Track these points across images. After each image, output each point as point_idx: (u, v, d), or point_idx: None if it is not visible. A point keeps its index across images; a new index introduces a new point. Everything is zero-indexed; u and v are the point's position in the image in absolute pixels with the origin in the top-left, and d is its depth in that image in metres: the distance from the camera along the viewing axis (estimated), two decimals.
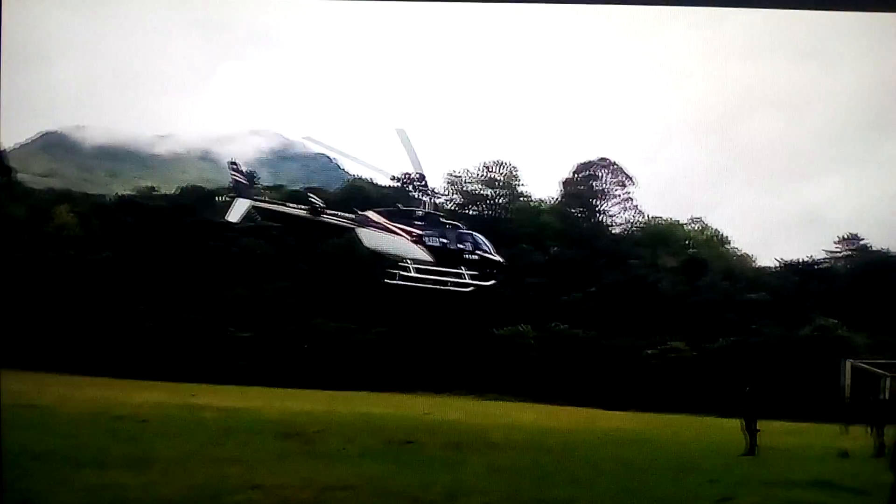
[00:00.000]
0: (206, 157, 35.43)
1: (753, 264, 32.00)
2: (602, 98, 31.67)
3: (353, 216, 21.71)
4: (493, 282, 21.81)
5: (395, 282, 21.14)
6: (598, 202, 32.37)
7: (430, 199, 22.54)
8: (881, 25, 27.01)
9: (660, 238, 31.57)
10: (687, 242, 32.47)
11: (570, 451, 17.68)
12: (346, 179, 33.07)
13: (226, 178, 33.29)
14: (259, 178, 32.12)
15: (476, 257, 21.41)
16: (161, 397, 21.77)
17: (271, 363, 26.91)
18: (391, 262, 21.28)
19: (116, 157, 34.73)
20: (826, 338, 26.66)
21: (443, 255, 21.27)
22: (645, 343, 27.45)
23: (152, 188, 32.90)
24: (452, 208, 30.33)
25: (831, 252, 31.38)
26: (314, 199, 22.02)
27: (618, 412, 25.25)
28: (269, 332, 27.72)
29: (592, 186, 32.24)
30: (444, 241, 21.44)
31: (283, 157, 35.67)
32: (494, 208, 31.58)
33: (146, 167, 34.98)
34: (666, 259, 30.97)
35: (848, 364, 24.67)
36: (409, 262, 21.23)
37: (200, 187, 32.11)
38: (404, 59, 33.93)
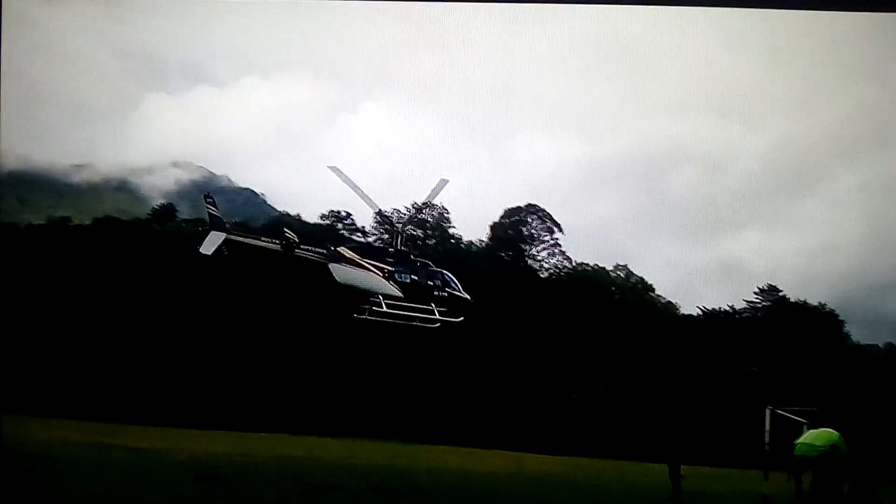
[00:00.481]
0: (123, 188, 34.39)
1: (677, 312, 32.59)
2: (532, 145, 32.04)
3: (324, 252, 21.81)
4: (461, 318, 22.09)
5: (364, 317, 21.28)
6: (527, 247, 32.78)
7: (400, 236, 22.99)
8: (800, 89, 28.57)
9: (586, 284, 31.95)
10: (613, 289, 32.97)
11: (496, 494, 17.37)
12: (271, 215, 32.50)
13: (143, 210, 32.32)
14: (179, 211, 31.46)
15: (445, 294, 21.89)
16: (69, 435, 20.73)
17: (185, 402, 25.71)
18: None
19: (30, 184, 33.19)
20: (748, 385, 27.25)
21: (413, 292, 21.65)
22: (572, 387, 27.49)
23: (66, 218, 31.62)
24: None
25: (751, 302, 32.26)
26: (289, 234, 21.92)
27: (544, 456, 25.07)
28: (184, 371, 26.56)
29: (521, 231, 32.62)
30: (415, 277, 21.85)
31: (205, 190, 34.79)
32: (425, 249, 31.39)
33: (60, 196, 33.68)
34: (593, 304, 31.28)
35: (768, 412, 25.14)
36: (380, 297, 21.44)
37: (116, 218, 31.17)
38: (335, 96, 33.59)
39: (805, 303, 31.19)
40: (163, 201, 32.91)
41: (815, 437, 16.69)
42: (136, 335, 27.14)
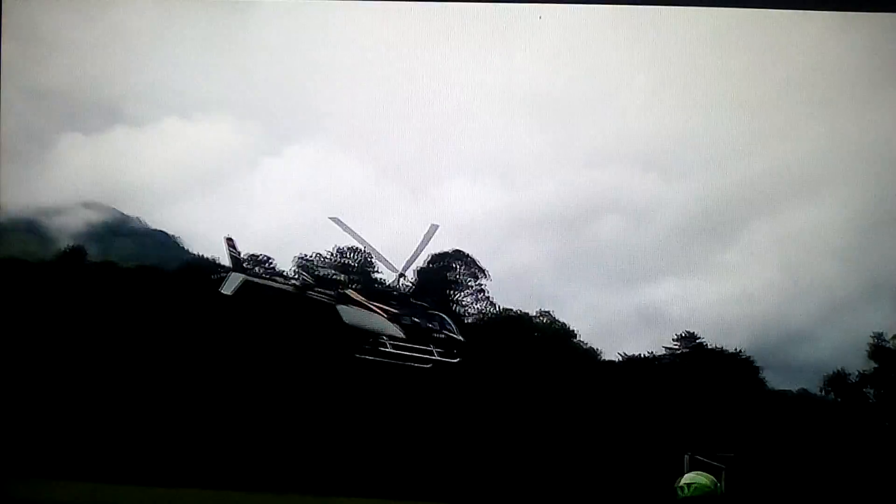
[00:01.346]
0: (30, 230, 32.85)
1: (599, 358, 32.81)
2: (457, 192, 32.20)
3: (333, 293, 22.77)
4: (458, 359, 23.42)
5: (370, 357, 21.87)
6: (452, 292, 32.67)
7: (400, 279, 23.49)
8: (719, 144, 29.62)
9: (510, 328, 31.96)
10: (536, 334, 33.03)
11: None
12: (184, 258, 31.56)
13: (50, 251, 30.87)
14: (88, 254, 30.22)
15: (443, 336, 23.10)
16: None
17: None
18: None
19: None
20: (667, 431, 27.47)
21: (415, 333, 22.64)
22: (494, 431, 27.19)
23: None
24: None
25: (670, 348, 32.72)
26: (305, 276, 23.00)
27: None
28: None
29: (446, 277, 32.54)
30: (416, 319, 22.92)
31: (116, 232, 33.55)
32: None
33: None
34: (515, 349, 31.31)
35: (687, 457, 25.33)
36: (385, 338, 22.25)
37: (24, 260, 29.62)
38: (258, 138, 33.11)
39: (723, 349, 31.82)
40: (71, 243, 31.77)
41: (691, 478, 16.70)
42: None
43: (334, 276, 30.20)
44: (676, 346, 32.73)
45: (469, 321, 32.28)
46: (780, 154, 30.10)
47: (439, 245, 31.59)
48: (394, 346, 22.31)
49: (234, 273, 22.47)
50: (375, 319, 22.64)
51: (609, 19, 30.92)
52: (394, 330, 22.52)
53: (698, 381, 31.10)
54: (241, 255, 22.98)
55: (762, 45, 28.66)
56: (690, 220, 31.69)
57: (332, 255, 30.77)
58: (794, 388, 32.07)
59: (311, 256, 30.37)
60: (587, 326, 32.92)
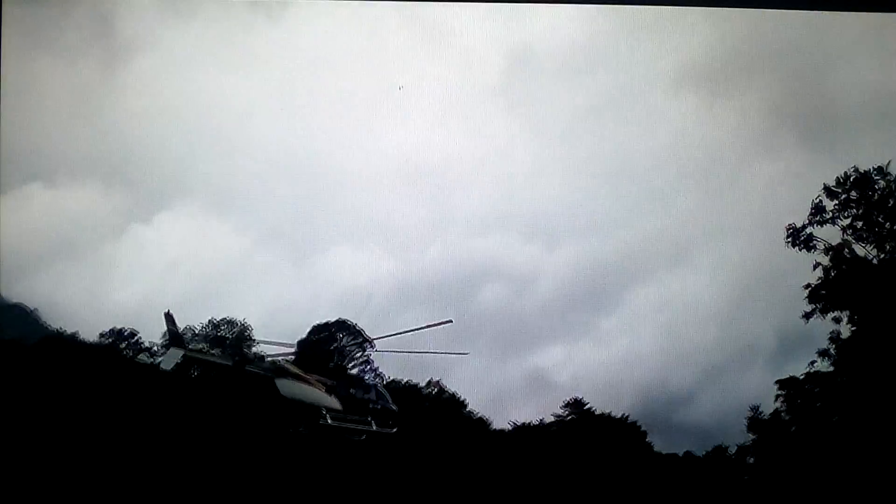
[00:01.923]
0: None
1: (490, 428, 32.29)
2: (341, 259, 31.42)
3: (270, 367, 22.20)
4: (395, 429, 23.46)
5: (304, 431, 21.57)
6: (336, 364, 31.38)
7: (337, 353, 22.64)
8: (599, 213, 30.39)
9: (400, 400, 30.95)
10: (427, 405, 32.17)
11: None
12: (44, 332, 29.11)
13: None
14: None
15: (379, 407, 22.86)
16: None
17: None
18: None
19: None
20: (560, 498, 27.03)
21: (352, 405, 22.39)
22: None
23: None
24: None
25: (559, 416, 32.61)
26: (246, 351, 22.05)
27: None
28: None
29: (330, 347, 31.34)
30: (353, 391, 22.68)
31: None
32: (221, 370, 29.04)
33: None
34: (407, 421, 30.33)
35: None
36: (324, 411, 21.96)
37: None
38: (125, 205, 31.32)
39: (610, 414, 31.92)
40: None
41: None
42: None
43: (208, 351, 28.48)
44: (565, 413, 32.68)
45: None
46: (657, 222, 31.19)
47: (322, 315, 30.85)
48: (333, 419, 21.87)
49: (173, 349, 22.13)
50: (313, 392, 22.41)
51: (490, 87, 31.66)
52: (331, 402, 22.33)
53: (588, 446, 31.03)
54: (179, 329, 22.75)
55: (638, 117, 29.96)
56: (572, 287, 32.08)
57: (205, 327, 29.09)
58: (680, 451, 32.37)
59: (182, 330, 28.52)
60: (476, 396, 32.38)
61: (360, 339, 31.19)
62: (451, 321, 24.32)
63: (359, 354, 31.30)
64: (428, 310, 32.47)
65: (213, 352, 23.52)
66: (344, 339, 31.31)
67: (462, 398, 32.30)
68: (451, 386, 32.27)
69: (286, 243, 30.48)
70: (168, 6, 29.98)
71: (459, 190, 33.02)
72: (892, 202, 24.64)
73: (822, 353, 26.83)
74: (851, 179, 25.62)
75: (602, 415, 32.02)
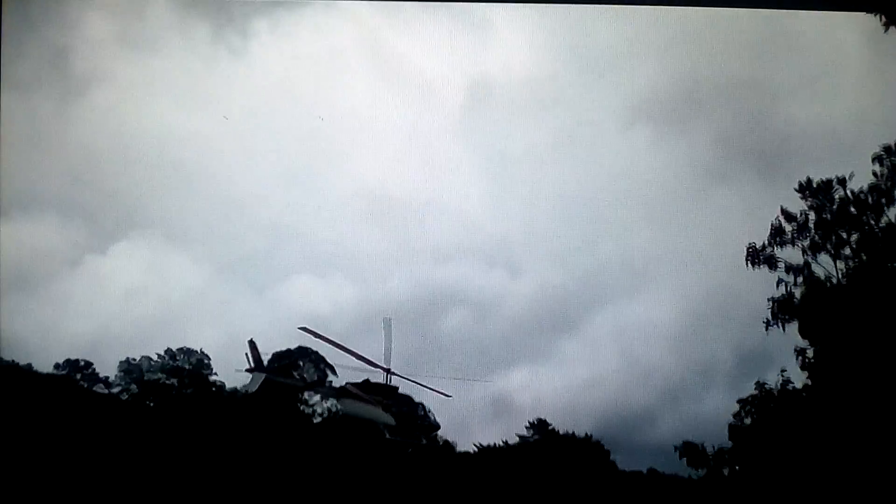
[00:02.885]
0: None
1: (456, 450, 32.25)
2: (303, 287, 31.38)
3: (335, 388, 25.03)
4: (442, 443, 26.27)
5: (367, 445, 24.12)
6: (299, 392, 31.11)
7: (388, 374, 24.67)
8: (559, 242, 30.88)
9: (361, 427, 30.71)
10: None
11: None
12: None
13: None
14: None
15: (426, 423, 25.33)
16: None
17: None
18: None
19: None
20: None
21: (404, 421, 24.70)
22: None
23: None
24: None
25: (523, 437, 32.69)
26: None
27: None
28: None
29: (293, 376, 31.07)
30: (405, 409, 24.92)
31: None
32: (181, 401, 28.64)
33: None
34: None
35: None
36: (382, 426, 24.49)
37: None
38: (81, 236, 30.99)
39: (573, 434, 32.16)
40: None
41: None
42: None
43: (165, 381, 28.11)
44: (529, 434, 32.76)
45: (317, 421, 30.95)
46: (617, 250, 31.82)
47: (284, 342, 30.70)
48: (390, 434, 24.63)
49: (256, 373, 24.48)
50: (372, 410, 24.68)
51: (452, 117, 32.20)
52: (388, 419, 24.59)
53: (553, 467, 31.12)
54: (260, 357, 25.16)
55: (599, 150, 30.76)
56: (535, 313, 32.43)
57: (162, 357, 28.71)
58: (644, 468, 32.60)
59: (138, 360, 28.16)
60: (442, 419, 32.34)
61: (323, 366, 31.11)
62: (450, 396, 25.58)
63: (321, 382, 31.17)
64: (393, 336, 32.52)
65: (285, 376, 26.22)
66: (306, 367, 31.17)
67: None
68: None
69: (246, 273, 30.36)
70: (125, 40, 30.06)
71: (422, 220, 33.28)
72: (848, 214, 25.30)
73: (781, 372, 27.38)
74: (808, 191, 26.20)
75: (566, 435, 32.17)
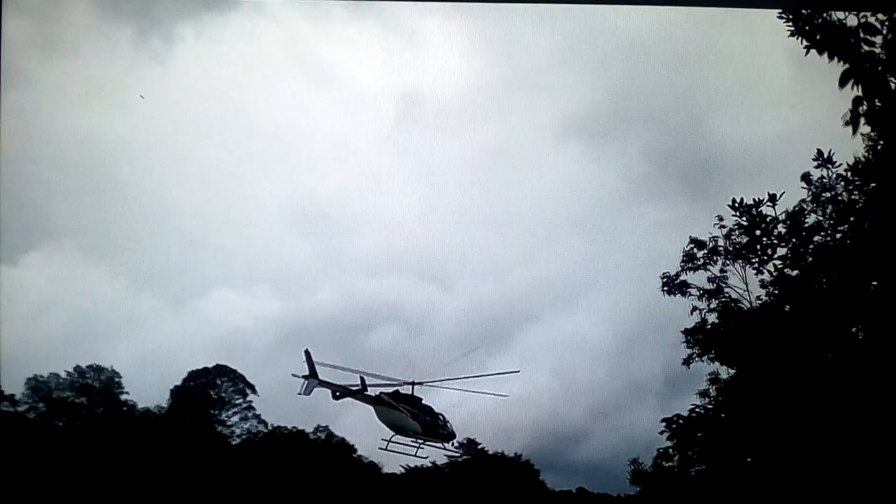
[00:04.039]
0: None
1: (381, 472, 31.69)
2: (224, 302, 30.48)
3: (372, 395, 26.56)
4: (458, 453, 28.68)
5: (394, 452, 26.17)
6: (216, 411, 30.18)
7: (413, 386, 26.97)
8: (491, 259, 30.61)
9: (284, 447, 30.01)
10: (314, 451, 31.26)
11: None
12: None
13: None
14: None
15: (445, 431, 26.61)
16: None
17: None
18: None
19: None
20: None
21: (429, 429, 26.27)
22: None
23: None
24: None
25: (452, 456, 32.25)
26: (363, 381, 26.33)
27: None
28: None
29: (209, 395, 30.09)
30: (429, 418, 26.40)
31: None
32: (90, 420, 27.52)
33: None
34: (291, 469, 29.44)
35: None
36: (410, 433, 26.17)
37: None
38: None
39: (503, 454, 31.86)
40: None
41: None
42: None
43: (74, 399, 26.99)
44: (458, 454, 32.34)
45: (235, 443, 30.08)
46: (548, 266, 31.67)
47: (199, 361, 29.75)
48: (416, 440, 26.26)
49: (311, 379, 25.84)
50: (402, 418, 26.32)
51: (382, 128, 31.73)
52: (415, 426, 26.24)
53: (482, 487, 30.84)
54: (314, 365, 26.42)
55: (532, 164, 30.60)
56: (466, 329, 32.05)
57: (71, 374, 27.55)
58: (573, 487, 32.53)
59: (46, 377, 26.95)
60: (364, 440, 31.75)
61: (241, 385, 30.26)
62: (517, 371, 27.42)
63: (239, 401, 30.39)
64: (320, 352, 31.88)
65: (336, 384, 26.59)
66: (224, 386, 30.29)
67: (351, 443, 31.82)
68: (340, 431, 31.69)
69: (164, 286, 29.33)
70: (41, 42, 28.93)
71: (351, 232, 32.79)
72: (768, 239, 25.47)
73: (702, 394, 27.49)
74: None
75: (495, 454, 31.89)
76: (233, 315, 29.88)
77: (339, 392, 26.51)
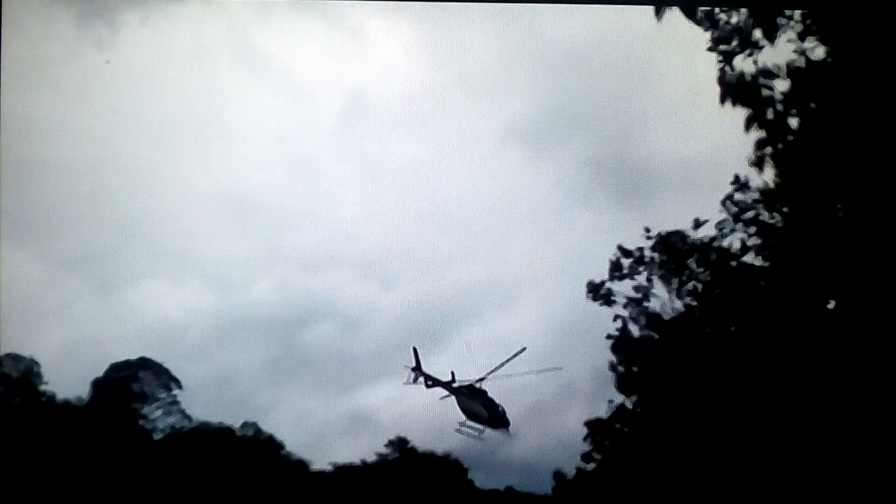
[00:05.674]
0: None
1: (309, 469, 31.42)
2: (151, 292, 29.75)
3: (455, 387, 30.17)
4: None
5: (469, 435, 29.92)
6: (139, 406, 29.48)
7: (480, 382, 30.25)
8: (431, 256, 30.75)
9: (209, 443, 29.50)
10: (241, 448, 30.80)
11: None
12: None
13: None
14: None
15: (504, 420, 29.86)
16: None
17: None
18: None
19: None
20: None
21: (496, 417, 29.67)
22: None
23: None
24: None
25: (382, 455, 32.30)
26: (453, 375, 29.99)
27: None
28: None
29: (132, 389, 29.37)
30: (493, 406, 29.77)
31: None
32: (5, 410, 26.57)
33: None
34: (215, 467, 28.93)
35: None
36: (481, 419, 29.79)
37: None
38: None
39: (433, 452, 31.96)
40: None
41: None
42: None
43: None
44: (388, 452, 32.39)
45: (158, 437, 29.41)
46: (486, 265, 31.90)
47: (125, 352, 28.99)
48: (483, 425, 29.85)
49: (415, 371, 29.54)
50: (476, 405, 29.69)
51: (326, 124, 31.49)
52: (484, 414, 29.71)
53: (410, 485, 30.98)
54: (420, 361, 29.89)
55: (474, 165, 30.80)
56: (405, 327, 32.14)
57: None
58: (502, 486, 32.83)
59: None
60: (295, 437, 31.41)
61: (166, 379, 29.59)
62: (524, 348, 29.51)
63: (163, 395, 29.71)
64: (251, 347, 31.51)
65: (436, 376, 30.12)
66: (147, 380, 29.58)
67: (280, 439, 31.44)
68: (269, 427, 31.29)
69: (91, 273, 28.51)
70: None
71: (291, 227, 32.43)
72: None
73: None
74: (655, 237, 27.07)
75: (425, 452, 31.99)
76: (163, 306, 29.29)
77: (432, 382, 29.77)
